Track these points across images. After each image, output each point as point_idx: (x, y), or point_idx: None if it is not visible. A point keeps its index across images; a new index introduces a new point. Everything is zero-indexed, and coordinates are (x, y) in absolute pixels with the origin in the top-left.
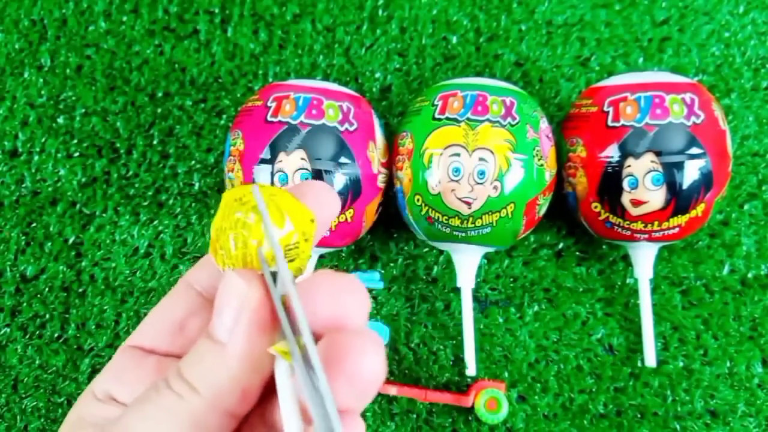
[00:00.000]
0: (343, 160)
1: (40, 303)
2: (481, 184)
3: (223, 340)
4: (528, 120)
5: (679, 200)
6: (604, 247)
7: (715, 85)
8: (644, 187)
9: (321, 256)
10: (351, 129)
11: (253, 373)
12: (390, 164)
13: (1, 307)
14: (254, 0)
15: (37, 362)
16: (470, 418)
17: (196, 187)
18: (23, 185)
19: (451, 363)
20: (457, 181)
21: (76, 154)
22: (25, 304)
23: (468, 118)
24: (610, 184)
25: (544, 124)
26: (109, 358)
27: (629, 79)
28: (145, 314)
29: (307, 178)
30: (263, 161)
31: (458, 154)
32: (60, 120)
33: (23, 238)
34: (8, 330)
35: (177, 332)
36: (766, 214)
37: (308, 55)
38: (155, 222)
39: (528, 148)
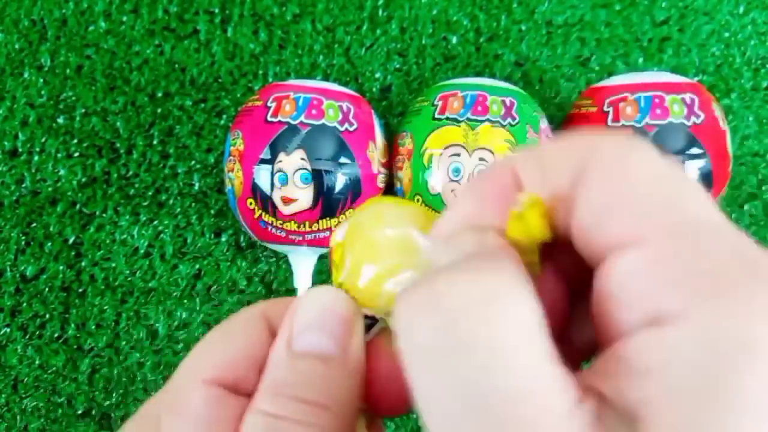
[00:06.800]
0: (343, 160)
1: (40, 303)
2: None
3: (333, 353)
4: (528, 120)
5: None
6: None
7: (715, 85)
8: None
9: (321, 256)
10: (351, 129)
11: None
12: (390, 164)
13: (1, 307)
14: (254, 0)
15: (37, 362)
16: None
17: (196, 187)
18: (23, 185)
19: None
20: (457, 181)
21: (76, 154)
22: (25, 304)
23: (468, 118)
24: None
25: (544, 124)
26: (109, 359)
27: (629, 79)
28: (145, 314)
29: (306, 178)
30: (263, 161)
31: (458, 155)
32: (60, 120)
33: (23, 238)
34: (8, 330)
35: (258, 370)
36: (766, 214)
37: (308, 55)
38: (155, 222)
39: None
